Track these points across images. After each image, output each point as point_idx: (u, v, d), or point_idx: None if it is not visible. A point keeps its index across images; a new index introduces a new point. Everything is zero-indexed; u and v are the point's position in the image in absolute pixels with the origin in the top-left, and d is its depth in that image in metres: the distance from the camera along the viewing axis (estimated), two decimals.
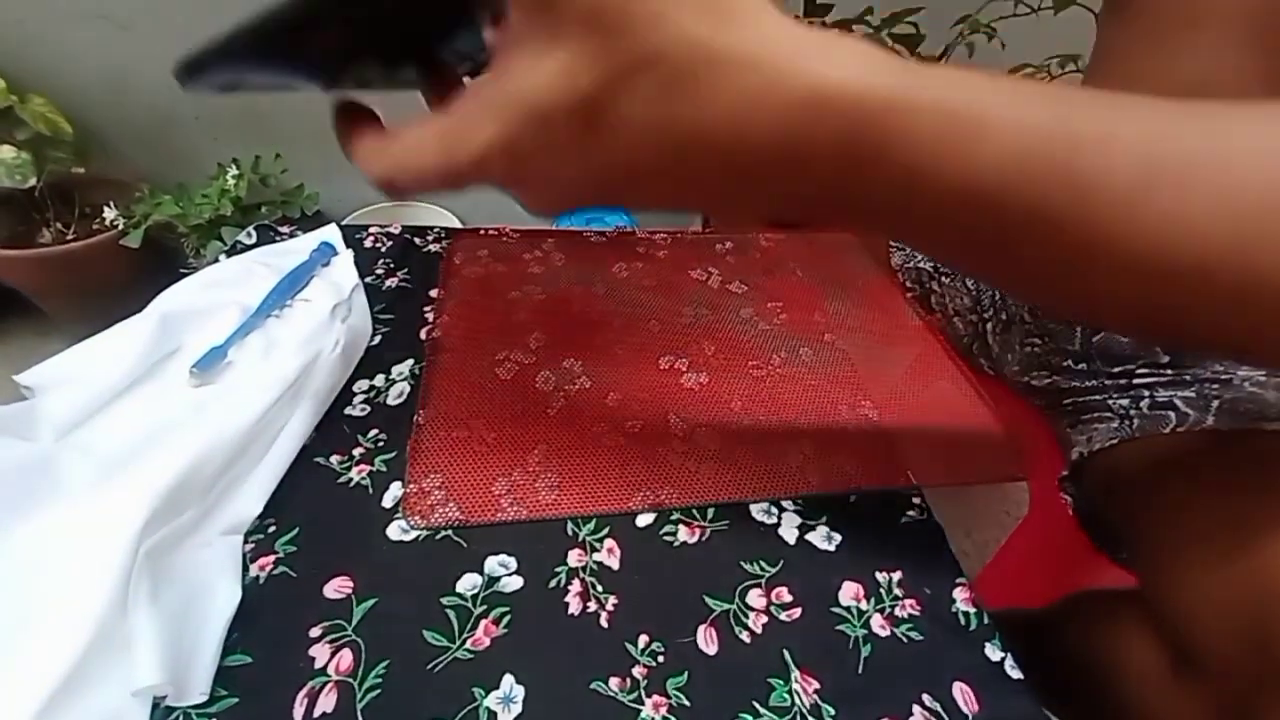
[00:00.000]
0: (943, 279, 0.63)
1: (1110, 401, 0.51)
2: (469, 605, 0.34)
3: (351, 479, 0.40)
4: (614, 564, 0.37)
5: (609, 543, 0.38)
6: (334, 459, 0.41)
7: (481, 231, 0.63)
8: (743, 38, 0.19)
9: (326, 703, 0.30)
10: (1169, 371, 0.48)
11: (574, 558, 0.37)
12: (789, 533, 0.39)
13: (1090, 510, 0.50)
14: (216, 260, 0.56)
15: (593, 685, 0.31)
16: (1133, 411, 0.49)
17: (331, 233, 0.61)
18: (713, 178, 0.21)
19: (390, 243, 0.61)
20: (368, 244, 0.61)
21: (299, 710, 0.30)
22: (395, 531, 0.37)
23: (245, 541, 0.37)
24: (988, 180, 0.19)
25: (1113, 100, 0.20)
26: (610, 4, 0.18)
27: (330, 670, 0.31)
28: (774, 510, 0.40)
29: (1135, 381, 0.50)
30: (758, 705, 0.31)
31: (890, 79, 0.19)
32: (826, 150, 0.19)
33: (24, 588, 0.32)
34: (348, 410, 0.44)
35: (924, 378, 0.50)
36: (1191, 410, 0.45)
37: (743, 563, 0.37)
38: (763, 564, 0.37)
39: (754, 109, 0.19)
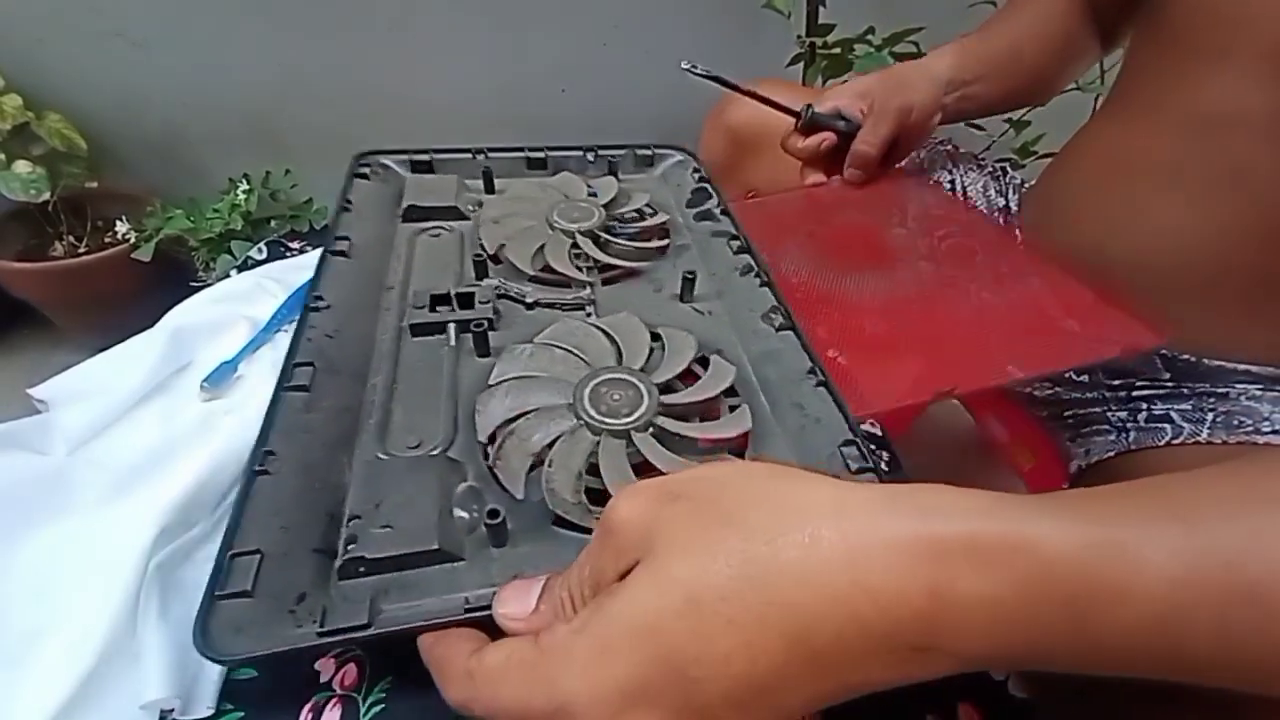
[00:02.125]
0: None
1: (1109, 414, 0.51)
2: None
3: None
4: None
5: None
6: None
7: None
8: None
9: (331, 717, 0.30)
10: (1169, 384, 0.48)
11: None
12: None
13: None
14: (227, 274, 0.57)
15: None
16: (1129, 424, 0.49)
17: None
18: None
19: None
20: None
21: None
22: None
23: None
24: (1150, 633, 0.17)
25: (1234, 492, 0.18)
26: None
27: (335, 685, 0.31)
28: None
29: (1134, 394, 0.50)
30: None
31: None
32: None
33: (36, 599, 0.32)
34: None
35: (1016, 276, 0.47)
36: (1186, 423, 0.45)
37: None
38: None
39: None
